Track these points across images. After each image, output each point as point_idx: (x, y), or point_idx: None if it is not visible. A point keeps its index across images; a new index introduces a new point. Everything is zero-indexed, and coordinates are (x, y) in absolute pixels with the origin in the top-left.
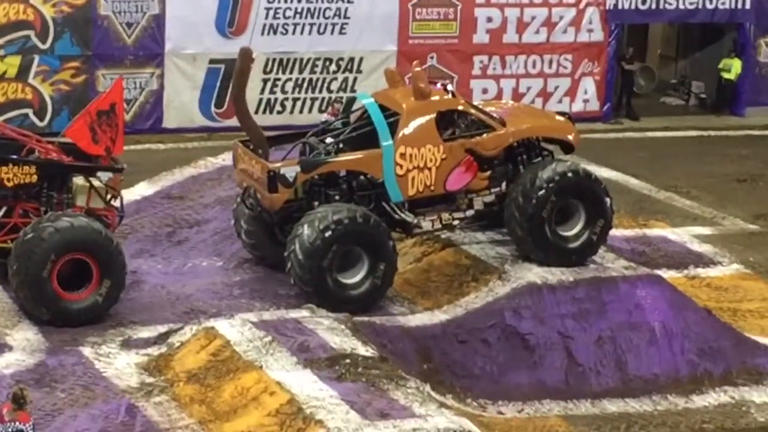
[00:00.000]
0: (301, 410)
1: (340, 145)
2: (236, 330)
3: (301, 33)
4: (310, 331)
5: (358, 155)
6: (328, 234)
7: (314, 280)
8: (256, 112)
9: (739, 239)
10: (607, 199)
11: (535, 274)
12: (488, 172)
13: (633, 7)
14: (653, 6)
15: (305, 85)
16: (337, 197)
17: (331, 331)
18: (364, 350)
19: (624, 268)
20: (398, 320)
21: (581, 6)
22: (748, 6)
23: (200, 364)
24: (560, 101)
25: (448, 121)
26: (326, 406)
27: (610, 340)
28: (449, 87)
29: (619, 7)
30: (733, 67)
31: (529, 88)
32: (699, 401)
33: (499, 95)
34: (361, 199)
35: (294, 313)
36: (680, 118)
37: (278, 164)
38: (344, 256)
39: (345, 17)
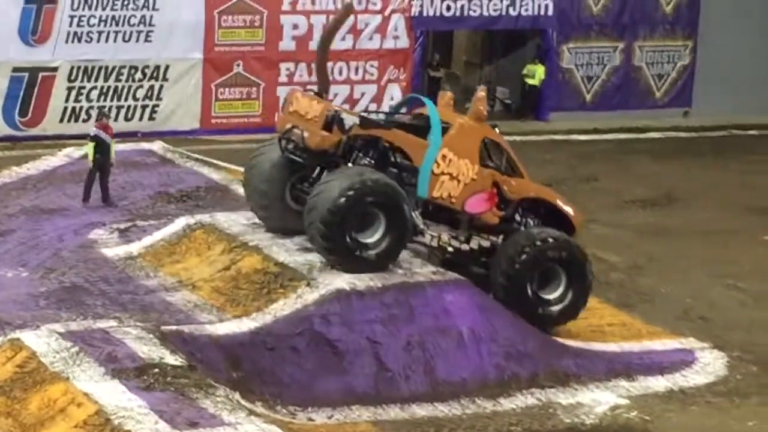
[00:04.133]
0: (109, 421)
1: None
2: (42, 341)
3: (106, 41)
4: (118, 341)
5: (410, 135)
6: (342, 201)
7: (334, 238)
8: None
9: None
10: (588, 265)
11: (343, 280)
12: (502, 213)
13: (438, 14)
14: (457, 13)
15: (110, 93)
16: (366, 164)
17: (139, 341)
18: (173, 359)
19: (432, 273)
20: (207, 329)
21: (386, 13)
22: (550, 13)
23: (6, 376)
24: (366, 108)
25: (488, 150)
26: (135, 417)
27: (419, 345)
28: (497, 128)
29: (424, 14)
30: (536, 73)
31: (335, 95)
32: (507, 404)
33: None
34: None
35: (101, 323)
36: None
37: (340, 108)
38: (363, 217)
39: (150, 25)
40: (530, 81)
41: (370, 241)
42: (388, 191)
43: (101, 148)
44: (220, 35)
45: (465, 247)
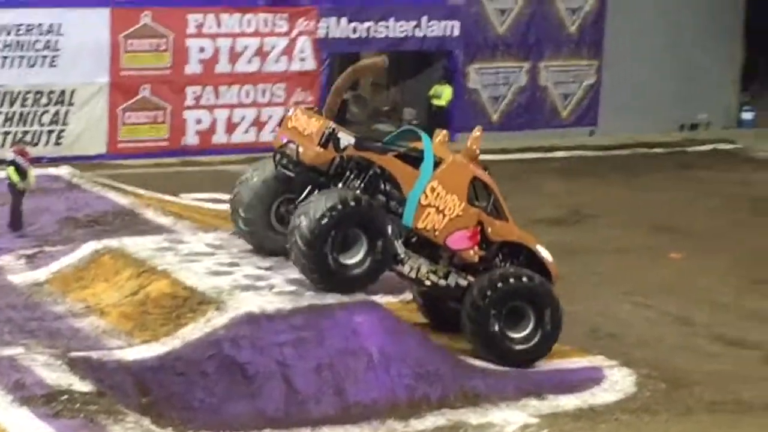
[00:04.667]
0: None
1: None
2: None
3: (11, 66)
4: (26, 368)
5: (403, 164)
6: (324, 222)
7: (317, 266)
8: None
9: None
10: (559, 309)
11: (252, 303)
12: (483, 253)
13: (344, 36)
14: (364, 35)
15: (16, 118)
16: (355, 187)
17: (48, 367)
18: (82, 385)
19: (341, 295)
20: (115, 354)
21: (293, 35)
22: (456, 34)
23: None
24: (273, 131)
25: (476, 191)
26: None
27: (329, 367)
28: (488, 170)
29: (330, 36)
30: (443, 94)
31: (243, 118)
32: (417, 425)
33: (213, 126)
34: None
35: (8, 350)
36: None
37: (339, 127)
38: (345, 238)
39: (55, 49)
40: (437, 102)
41: (351, 262)
42: (371, 213)
43: (18, 173)
44: (126, 59)
45: (442, 282)
